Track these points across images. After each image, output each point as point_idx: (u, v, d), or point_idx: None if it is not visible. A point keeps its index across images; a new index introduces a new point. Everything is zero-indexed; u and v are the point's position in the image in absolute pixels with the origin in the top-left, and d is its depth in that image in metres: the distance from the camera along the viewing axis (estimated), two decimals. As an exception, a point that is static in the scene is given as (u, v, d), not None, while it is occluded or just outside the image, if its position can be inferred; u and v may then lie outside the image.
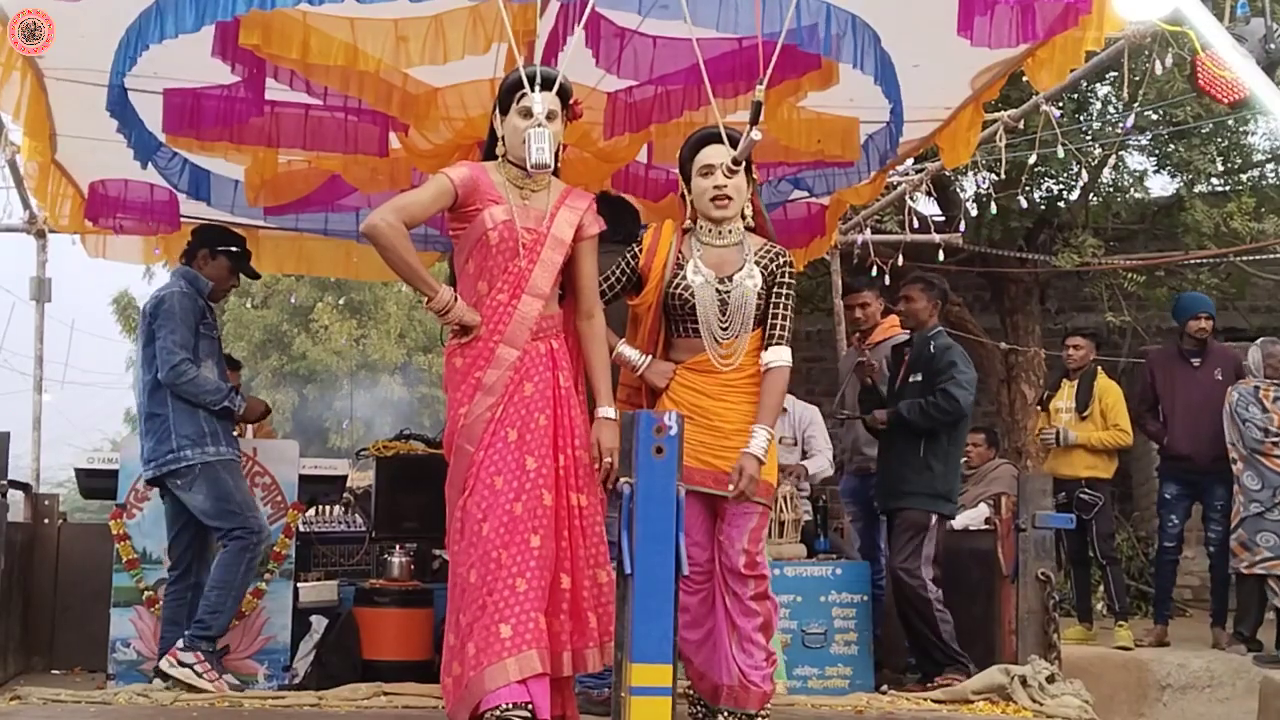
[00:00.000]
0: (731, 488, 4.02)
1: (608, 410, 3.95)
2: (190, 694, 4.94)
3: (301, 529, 5.62)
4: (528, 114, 3.82)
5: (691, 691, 4.30)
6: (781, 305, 4.20)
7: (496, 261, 3.89)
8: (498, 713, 3.60)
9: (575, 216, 3.98)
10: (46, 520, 5.93)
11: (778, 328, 4.18)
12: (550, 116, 3.86)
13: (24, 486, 6.02)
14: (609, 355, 4.09)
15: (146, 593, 5.13)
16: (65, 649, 5.72)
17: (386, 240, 3.83)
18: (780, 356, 4.14)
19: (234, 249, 5.43)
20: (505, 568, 3.69)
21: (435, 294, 3.86)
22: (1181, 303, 8.37)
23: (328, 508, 6.71)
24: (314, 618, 5.47)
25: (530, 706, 3.62)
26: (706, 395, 4.13)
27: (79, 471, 5.89)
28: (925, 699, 5.12)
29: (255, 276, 5.89)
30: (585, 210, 4.03)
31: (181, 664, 4.83)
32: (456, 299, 3.88)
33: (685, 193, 4.27)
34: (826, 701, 5.22)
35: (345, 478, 6.31)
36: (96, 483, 5.74)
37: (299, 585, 5.41)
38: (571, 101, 4.01)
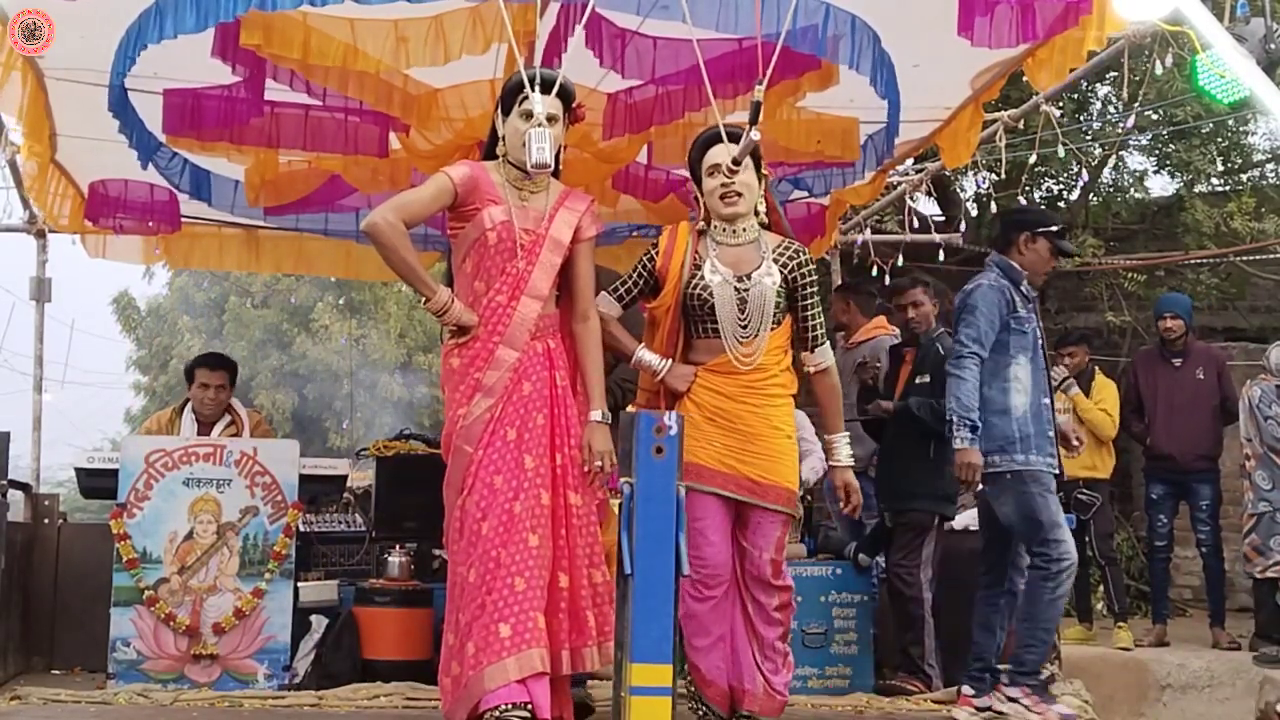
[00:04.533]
0: (845, 508, 4.32)
1: (598, 413, 3.95)
2: (191, 694, 4.95)
3: (301, 529, 5.61)
4: (529, 116, 3.82)
5: (692, 689, 4.29)
6: (812, 305, 4.25)
7: (494, 262, 3.89)
8: (497, 713, 3.60)
9: (574, 218, 3.98)
10: (46, 520, 5.92)
11: (818, 327, 4.27)
12: (551, 119, 3.86)
13: (24, 486, 6.02)
14: (603, 359, 4.10)
15: (146, 592, 5.12)
16: (65, 649, 5.71)
17: (386, 239, 3.83)
18: (827, 356, 4.28)
19: (1054, 228, 5.08)
20: (504, 567, 3.70)
21: (433, 294, 3.86)
22: (1158, 304, 8.40)
23: (329, 508, 6.70)
24: (314, 618, 5.46)
25: (529, 706, 3.62)
26: (727, 397, 4.13)
27: (79, 471, 5.88)
28: (925, 699, 5.14)
29: (1072, 254, 5.44)
30: (584, 212, 4.03)
31: (1009, 699, 4.75)
32: (454, 300, 3.89)
33: (698, 194, 4.28)
34: (826, 701, 5.23)
35: (345, 477, 6.30)
36: (96, 482, 5.73)
37: (299, 585, 5.40)
38: (575, 105, 4.01)
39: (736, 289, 4.13)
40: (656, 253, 4.26)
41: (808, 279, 4.23)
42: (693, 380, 4.16)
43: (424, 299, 3.92)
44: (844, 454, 4.32)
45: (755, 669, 4.15)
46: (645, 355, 4.23)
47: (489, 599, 3.69)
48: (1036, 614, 4.77)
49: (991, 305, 4.84)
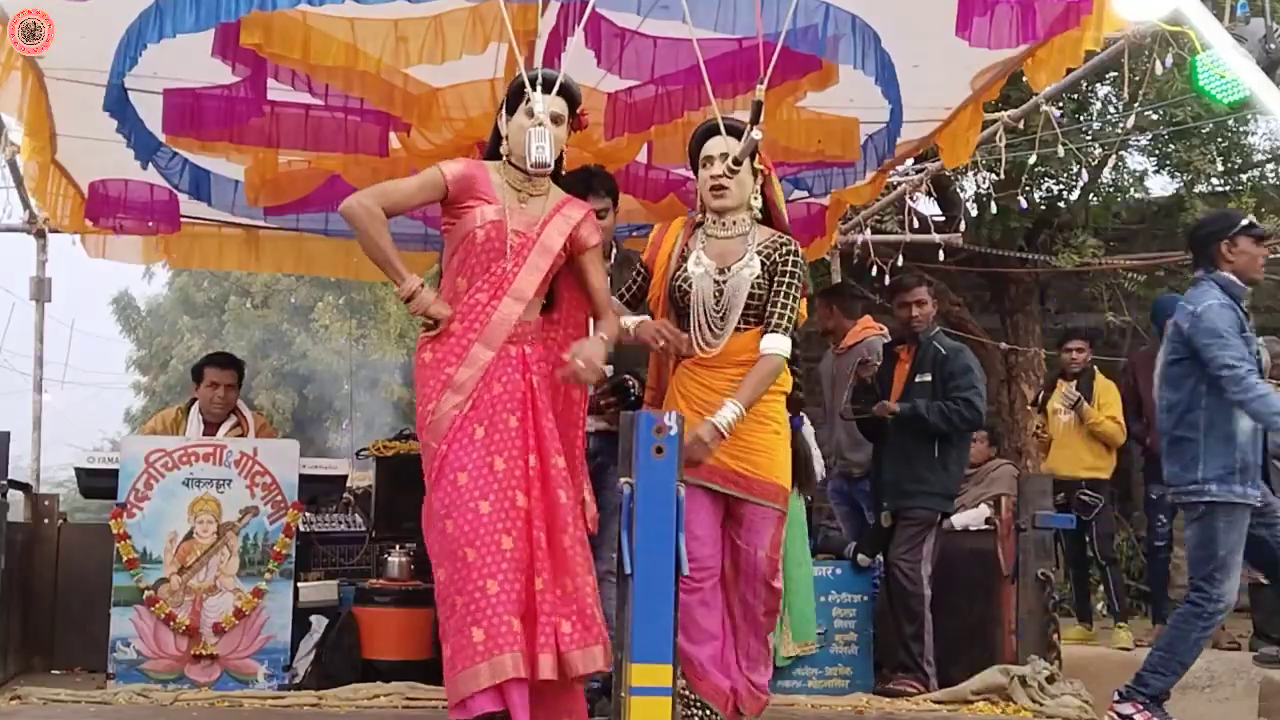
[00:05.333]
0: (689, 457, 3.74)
1: (601, 332, 3.92)
2: (191, 694, 4.95)
3: (301, 529, 5.61)
4: (533, 114, 3.81)
5: (688, 693, 4.30)
6: (782, 293, 4.10)
7: (480, 260, 3.86)
8: None
9: (568, 226, 3.94)
10: (46, 520, 5.91)
11: (775, 315, 4.08)
12: (556, 119, 3.85)
13: (24, 486, 6.01)
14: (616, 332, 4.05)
15: (146, 592, 5.12)
16: (65, 649, 5.71)
17: (360, 222, 3.81)
18: (775, 345, 4.06)
19: (1245, 222, 5.02)
20: (475, 569, 3.64)
21: (402, 280, 3.82)
22: (1159, 304, 8.36)
23: (329, 508, 6.70)
24: (314, 618, 5.46)
25: (503, 714, 3.58)
26: (714, 390, 4.09)
27: (79, 471, 5.87)
28: (925, 699, 5.14)
29: (1269, 235, 5.26)
30: (581, 220, 3.98)
31: (1120, 715, 4.76)
32: (424, 286, 3.84)
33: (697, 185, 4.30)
34: (826, 701, 5.23)
35: (345, 477, 6.29)
36: (96, 482, 5.73)
37: (299, 585, 5.40)
38: (578, 111, 3.99)
39: (716, 281, 4.11)
40: (647, 246, 4.30)
41: (788, 268, 4.11)
42: (664, 333, 4.05)
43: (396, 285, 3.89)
44: (721, 416, 3.93)
45: (738, 669, 4.15)
46: (624, 319, 4.17)
47: (460, 600, 3.64)
48: (1178, 649, 4.79)
49: (1231, 323, 4.80)
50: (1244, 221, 5.06)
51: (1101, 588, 8.45)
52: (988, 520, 7.49)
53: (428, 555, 3.86)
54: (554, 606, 3.73)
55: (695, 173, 4.28)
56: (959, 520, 6.66)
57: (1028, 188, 9.43)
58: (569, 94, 3.93)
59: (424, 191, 3.91)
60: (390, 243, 3.89)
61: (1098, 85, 10.27)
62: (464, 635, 3.61)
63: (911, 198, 7.39)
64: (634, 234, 6.83)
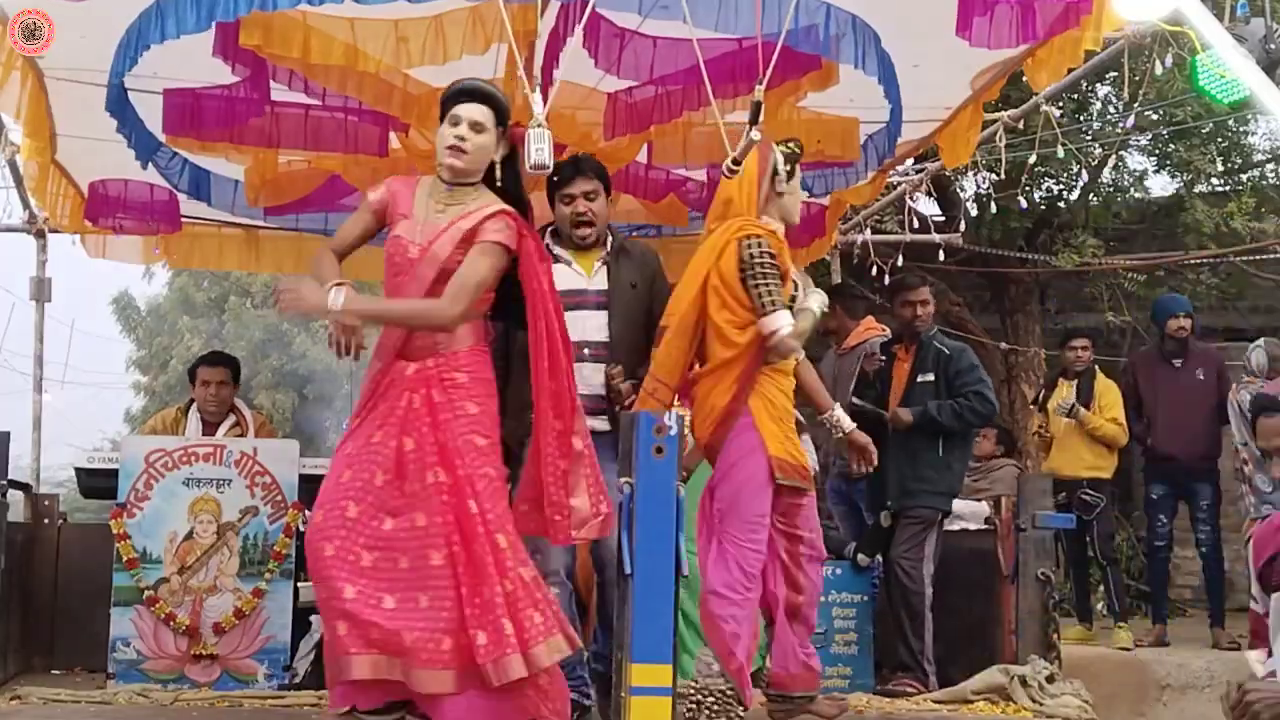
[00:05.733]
0: (867, 468, 4.73)
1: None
2: (190, 694, 4.95)
3: (301, 529, 5.61)
4: (455, 122, 3.86)
5: (694, 690, 4.33)
6: None
7: (388, 275, 3.93)
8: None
9: (458, 236, 3.86)
10: (46, 520, 5.90)
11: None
12: (478, 129, 3.85)
13: (24, 486, 6.01)
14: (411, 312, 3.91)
15: (146, 592, 5.12)
16: (65, 649, 5.71)
17: (311, 264, 4.05)
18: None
19: None
20: (312, 571, 3.81)
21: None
22: (1159, 305, 8.41)
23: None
24: (314, 618, 5.47)
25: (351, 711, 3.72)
26: (787, 395, 4.36)
27: (79, 471, 5.88)
28: (925, 699, 5.14)
29: None
30: (487, 218, 3.86)
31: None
32: (314, 282, 3.88)
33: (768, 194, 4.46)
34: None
35: (345, 477, 6.29)
36: (96, 482, 5.73)
37: (299, 585, 5.40)
38: (511, 124, 3.98)
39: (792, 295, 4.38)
40: (775, 252, 4.31)
41: None
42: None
43: None
44: (848, 421, 4.69)
45: (795, 652, 4.29)
46: (812, 304, 4.40)
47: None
48: None
49: None
50: None
51: (1101, 588, 8.45)
52: (988, 520, 7.49)
53: None
54: (469, 619, 3.63)
55: (769, 185, 4.44)
56: (958, 506, 6.66)
57: (1028, 188, 9.43)
58: (496, 104, 3.93)
59: (359, 221, 4.04)
60: (326, 264, 3.96)
61: (1098, 85, 10.27)
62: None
63: (911, 198, 7.39)
64: (634, 234, 6.84)
